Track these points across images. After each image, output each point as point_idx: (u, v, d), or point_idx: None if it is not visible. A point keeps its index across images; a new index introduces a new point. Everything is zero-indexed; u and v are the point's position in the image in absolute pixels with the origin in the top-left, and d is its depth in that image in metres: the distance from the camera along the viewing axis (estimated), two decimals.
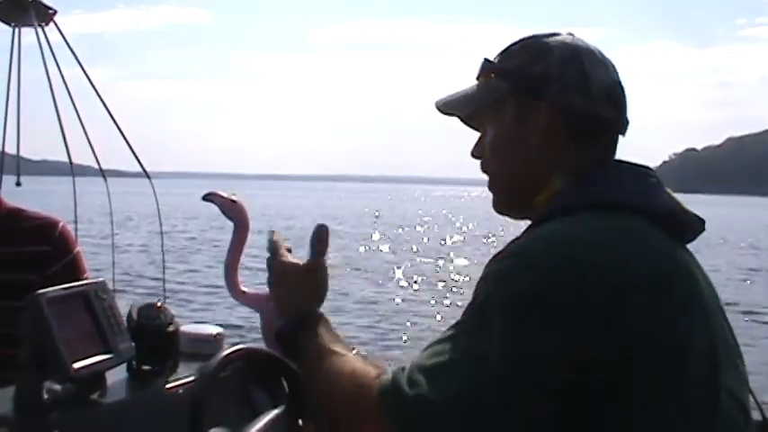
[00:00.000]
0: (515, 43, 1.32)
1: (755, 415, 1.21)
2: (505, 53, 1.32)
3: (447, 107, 1.37)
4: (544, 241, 1.11)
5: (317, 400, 1.22)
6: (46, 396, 1.44)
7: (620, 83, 1.29)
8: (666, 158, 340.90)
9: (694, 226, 1.23)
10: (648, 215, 1.15)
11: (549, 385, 1.03)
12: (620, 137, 1.30)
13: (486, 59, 1.33)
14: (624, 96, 1.29)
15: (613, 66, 1.29)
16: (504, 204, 1.34)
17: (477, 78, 1.34)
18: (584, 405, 1.04)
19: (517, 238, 1.16)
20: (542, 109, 1.24)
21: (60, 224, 2.21)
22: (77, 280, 2.05)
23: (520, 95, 1.27)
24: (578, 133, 1.25)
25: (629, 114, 1.28)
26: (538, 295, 1.05)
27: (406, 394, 1.06)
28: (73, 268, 2.15)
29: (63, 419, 1.41)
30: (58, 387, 1.48)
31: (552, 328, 1.03)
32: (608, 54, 1.28)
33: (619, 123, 1.29)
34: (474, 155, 1.36)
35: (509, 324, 1.05)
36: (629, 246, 1.09)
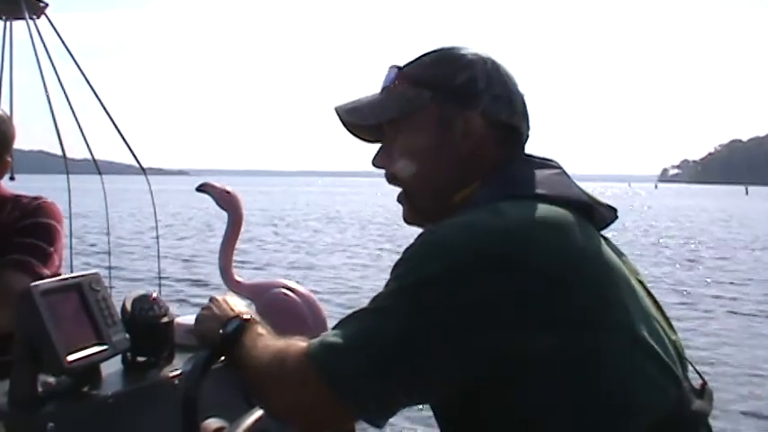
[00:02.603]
0: (429, 53, 1.34)
1: (695, 379, 1.24)
2: (420, 62, 1.34)
3: (352, 114, 1.37)
4: (455, 227, 1.15)
5: (251, 371, 1.23)
6: (40, 389, 1.44)
7: (524, 96, 1.35)
8: (712, 150, 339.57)
9: (605, 214, 1.30)
10: (563, 203, 1.19)
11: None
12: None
13: (396, 67, 1.34)
14: (527, 109, 1.36)
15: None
16: (420, 212, 1.35)
17: (386, 87, 1.35)
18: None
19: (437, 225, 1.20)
20: (474, 118, 1.28)
21: (42, 200, 2.21)
22: (34, 244, 2.07)
23: (444, 105, 1.29)
24: (499, 140, 1.30)
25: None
26: (445, 278, 1.09)
27: (325, 344, 1.12)
28: (32, 230, 2.12)
29: (58, 412, 1.41)
30: (52, 380, 1.48)
31: (456, 309, 1.08)
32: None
33: (527, 132, 1.35)
34: (377, 165, 1.37)
35: (415, 304, 1.10)
36: (538, 227, 1.14)
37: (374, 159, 1.38)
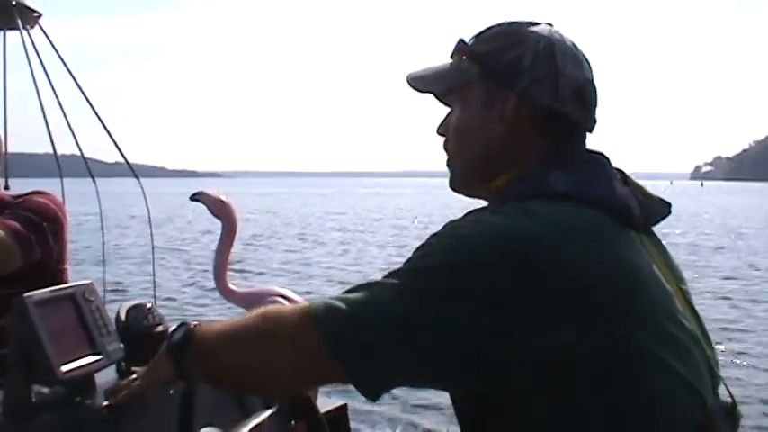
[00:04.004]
0: (492, 27, 1.32)
1: (724, 396, 1.21)
2: (481, 36, 1.32)
3: (417, 82, 1.37)
4: (483, 224, 1.13)
5: (233, 352, 1.19)
6: (34, 399, 1.43)
7: (591, 81, 1.29)
8: (746, 146, 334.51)
9: (657, 210, 1.26)
10: (596, 205, 1.16)
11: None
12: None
13: (461, 40, 1.33)
14: (595, 95, 1.29)
15: (588, 63, 1.29)
16: (461, 183, 1.35)
17: (451, 57, 1.34)
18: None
19: (470, 212, 1.18)
20: (510, 99, 1.25)
21: (39, 190, 2.23)
22: (21, 214, 2.07)
23: (488, 81, 1.27)
24: (541, 127, 1.25)
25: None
26: (466, 272, 1.07)
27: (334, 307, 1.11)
28: (18, 208, 2.13)
29: (52, 422, 1.40)
30: (46, 390, 1.47)
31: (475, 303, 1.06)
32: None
33: (586, 122, 1.29)
34: (439, 132, 1.37)
35: (430, 289, 1.08)
36: (568, 239, 1.10)
37: (438, 127, 1.37)
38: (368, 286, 1.14)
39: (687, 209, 44.60)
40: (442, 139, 1.36)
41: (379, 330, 1.07)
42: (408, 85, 1.37)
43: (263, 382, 1.20)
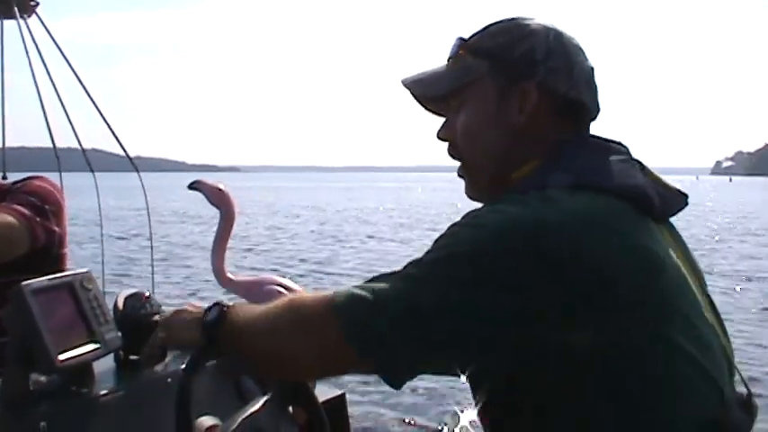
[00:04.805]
0: (493, 24, 1.31)
1: (741, 389, 1.21)
2: (483, 33, 1.31)
3: (417, 85, 1.35)
4: (507, 213, 1.12)
5: (257, 339, 1.21)
6: (32, 388, 1.43)
7: (593, 69, 1.31)
8: None
9: (674, 201, 1.25)
10: (617, 194, 1.16)
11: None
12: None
13: (460, 38, 1.32)
14: (596, 83, 1.31)
15: (585, 52, 1.31)
16: (482, 187, 1.33)
17: (450, 58, 1.33)
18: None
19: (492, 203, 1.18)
20: (529, 90, 1.25)
21: (34, 176, 2.23)
22: (21, 197, 2.07)
23: (502, 75, 1.27)
24: (559, 115, 1.26)
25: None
26: (489, 261, 1.07)
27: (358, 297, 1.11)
28: (19, 192, 2.13)
29: (50, 411, 1.40)
30: (44, 379, 1.47)
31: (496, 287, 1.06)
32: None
33: (594, 108, 1.30)
34: (441, 137, 1.35)
35: (453, 279, 1.08)
36: (594, 228, 1.10)
37: (439, 131, 1.36)
38: (390, 276, 1.14)
39: (738, 205, 43.95)
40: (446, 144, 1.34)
41: (400, 319, 1.08)
42: (408, 91, 1.36)
43: (286, 368, 1.21)
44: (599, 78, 1.32)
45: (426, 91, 1.35)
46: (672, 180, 1.29)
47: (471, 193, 1.35)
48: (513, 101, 1.25)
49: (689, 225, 25.04)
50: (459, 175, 1.35)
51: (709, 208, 39.51)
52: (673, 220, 1.29)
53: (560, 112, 1.26)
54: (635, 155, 1.27)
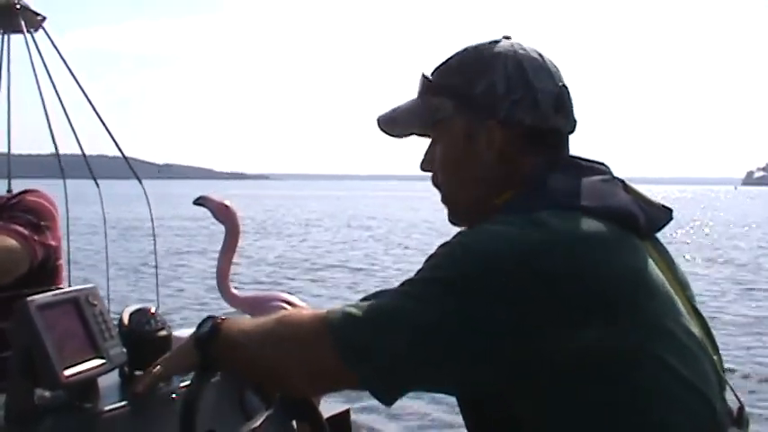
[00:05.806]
0: (452, 57, 1.32)
1: (732, 401, 1.22)
2: (444, 69, 1.32)
3: (389, 125, 1.37)
4: (496, 234, 1.13)
5: (251, 352, 1.22)
6: (37, 403, 1.43)
7: (564, 85, 1.29)
8: None
9: (659, 216, 1.26)
10: (602, 214, 1.16)
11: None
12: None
13: (424, 76, 1.33)
14: (570, 98, 1.30)
15: (555, 67, 1.29)
16: (462, 216, 1.35)
17: (419, 94, 1.34)
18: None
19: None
20: (493, 128, 1.25)
21: (28, 190, 2.24)
22: (16, 216, 2.08)
23: (467, 114, 1.27)
24: (530, 145, 1.26)
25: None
26: (480, 282, 1.09)
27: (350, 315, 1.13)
28: (16, 210, 2.13)
29: (54, 427, 1.40)
30: (48, 394, 1.47)
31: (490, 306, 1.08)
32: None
33: (567, 127, 1.30)
34: (424, 169, 1.37)
35: (446, 298, 1.10)
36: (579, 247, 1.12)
37: (421, 163, 1.37)
38: (382, 294, 1.17)
39: None
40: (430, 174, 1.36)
41: (394, 336, 1.09)
42: (380, 130, 1.37)
43: (279, 382, 1.23)
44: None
45: (401, 131, 1.37)
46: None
47: (454, 220, 1.37)
48: (480, 137, 1.26)
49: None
50: (443, 202, 1.36)
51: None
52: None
53: (531, 141, 1.26)
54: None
